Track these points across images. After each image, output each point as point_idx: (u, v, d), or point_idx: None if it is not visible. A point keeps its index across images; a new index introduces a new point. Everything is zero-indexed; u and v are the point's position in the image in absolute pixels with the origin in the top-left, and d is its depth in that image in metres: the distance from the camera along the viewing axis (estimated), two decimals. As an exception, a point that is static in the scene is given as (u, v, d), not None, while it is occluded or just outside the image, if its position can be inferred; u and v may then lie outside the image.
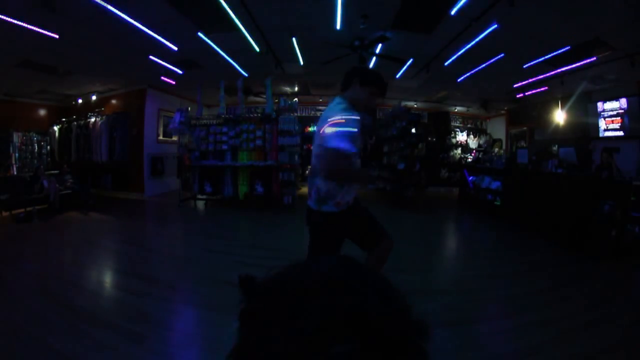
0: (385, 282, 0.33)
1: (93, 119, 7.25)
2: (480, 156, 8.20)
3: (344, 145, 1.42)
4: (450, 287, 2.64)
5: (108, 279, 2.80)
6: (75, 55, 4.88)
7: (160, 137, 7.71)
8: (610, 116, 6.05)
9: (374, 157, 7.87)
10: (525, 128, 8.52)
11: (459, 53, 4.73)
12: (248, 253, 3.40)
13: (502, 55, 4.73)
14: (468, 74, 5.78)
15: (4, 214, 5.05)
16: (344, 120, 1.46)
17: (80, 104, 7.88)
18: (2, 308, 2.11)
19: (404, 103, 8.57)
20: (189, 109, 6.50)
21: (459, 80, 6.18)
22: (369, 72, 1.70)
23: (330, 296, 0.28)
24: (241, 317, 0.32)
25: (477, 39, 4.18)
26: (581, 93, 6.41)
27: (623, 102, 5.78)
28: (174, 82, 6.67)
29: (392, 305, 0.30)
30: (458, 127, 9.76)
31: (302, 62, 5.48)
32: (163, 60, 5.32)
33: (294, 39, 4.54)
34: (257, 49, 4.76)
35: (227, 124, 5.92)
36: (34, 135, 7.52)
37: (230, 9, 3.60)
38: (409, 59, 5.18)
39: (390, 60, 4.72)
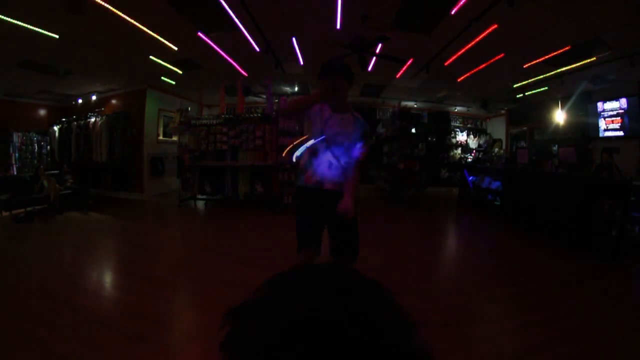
0: (384, 299, 0.30)
1: (93, 119, 7.25)
2: (480, 156, 8.21)
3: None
4: (450, 287, 2.64)
5: (108, 279, 2.80)
6: (75, 55, 4.88)
7: (160, 137, 7.71)
8: (610, 116, 6.04)
9: (374, 157, 7.87)
10: (525, 128, 8.52)
11: (459, 53, 4.73)
12: (248, 253, 3.40)
13: (502, 55, 4.73)
14: (468, 74, 5.78)
15: (4, 214, 5.05)
16: None
17: (80, 104, 7.88)
18: (2, 308, 2.11)
19: (404, 103, 8.58)
20: (189, 109, 6.51)
21: (459, 80, 6.18)
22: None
23: (317, 323, 0.26)
24: (222, 348, 0.29)
25: (477, 39, 4.18)
26: (581, 93, 6.42)
27: (623, 102, 5.78)
28: (174, 82, 6.68)
29: (387, 331, 0.27)
30: (458, 127, 9.76)
31: (302, 62, 5.48)
32: (163, 60, 5.32)
33: (294, 39, 4.54)
34: (257, 49, 4.76)
35: (227, 124, 5.92)
36: (34, 135, 7.53)
37: (230, 8, 3.60)
38: (409, 59, 5.18)
39: (390, 60, 4.72)
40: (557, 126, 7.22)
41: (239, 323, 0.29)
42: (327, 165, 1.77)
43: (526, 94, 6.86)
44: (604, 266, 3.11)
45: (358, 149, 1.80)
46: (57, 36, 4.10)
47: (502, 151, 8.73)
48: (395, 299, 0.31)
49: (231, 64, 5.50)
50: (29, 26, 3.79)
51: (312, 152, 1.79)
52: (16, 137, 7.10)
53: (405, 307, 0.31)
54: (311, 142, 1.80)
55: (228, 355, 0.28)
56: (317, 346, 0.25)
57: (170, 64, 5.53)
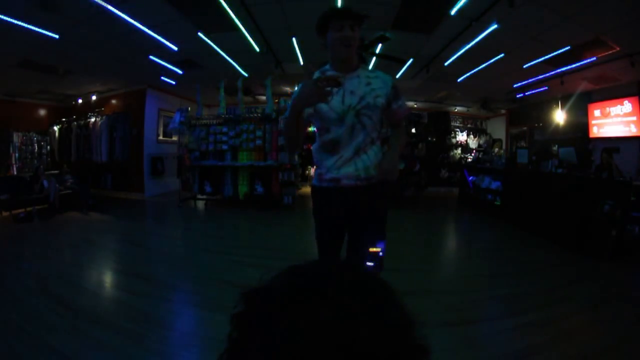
0: (385, 298, 0.31)
1: (93, 119, 7.25)
2: (480, 156, 8.21)
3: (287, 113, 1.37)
4: (450, 287, 2.64)
5: (108, 279, 2.80)
6: (75, 55, 4.88)
7: (160, 137, 7.71)
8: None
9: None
10: (525, 128, 8.52)
11: (459, 53, 4.73)
12: (248, 253, 3.40)
13: (502, 55, 4.73)
14: (468, 74, 5.78)
15: (4, 214, 5.05)
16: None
17: (80, 104, 7.88)
18: (2, 308, 2.11)
19: (404, 103, 8.57)
20: (189, 109, 6.51)
21: (459, 80, 6.18)
22: (318, 19, 1.37)
23: (317, 314, 0.27)
24: (232, 322, 0.31)
25: (477, 39, 4.18)
26: (581, 93, 6.42)
27: (623, 102, 5.79)
28: (174, 82, 6.67)
29: (387, 325, 0.28)
30: (458, 127, 9.75)
31: (302, 62, 5.48)
32: (163, 60, 5.31)
33: (294, 39, 4.54)
34: (257, 49, 4.76)
35: (227, 124, 5.92)
36: (34, 135, 7.52)
37: (230, 9, 3.60)
38: (409, 59, 5.18)
39: (390, 60, 4.72)
40: (557, 126, 7.22)
41: (252, 301, 0.31)
42: (353, 152, 1.35)
43: (526, 94, 6.85)
44: (604, 266, 3.11)
45: (399, 110, 1.42)
46: (57, 36, 4.10)
47: (502, 151, 8.72)
48: (399, 295, 0.32)
49: (231, 64, 5.50)
50: (28, 26, 3.79)
51: (330, 144, 1.37)
52: (16, 137, 7.09)
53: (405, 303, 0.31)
54: (326, 132, 1.37)
55: (237, 330, 0.31)
56: (322, 334, 0.26)
57: (170, 64, 5.53)
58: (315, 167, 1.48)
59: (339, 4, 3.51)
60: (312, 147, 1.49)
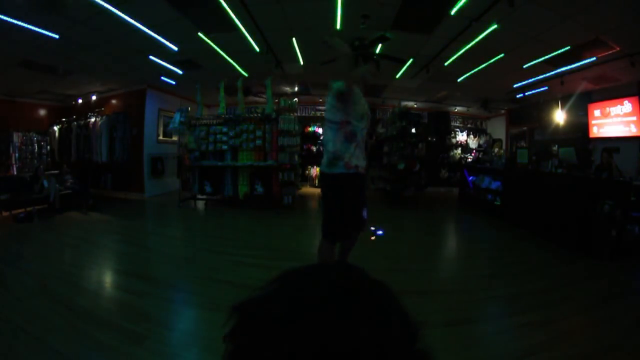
0: (387, 306, 0.30)
1: (93, 119, 7.25)
2: (480, 156, 8.21)
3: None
4: (450, 287, 2.64)
5: (108, 279, 2.80)
6: (75, 55, 4.88)
7: (160, 137, 7.71)
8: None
9: (374, 157, 7.87)
10: (525, 128, 8.52)
11: (459, 53, 4.73)
12: (248, 253, 3.40)
13: (502, 55, 4.73)
14: (468, 74, 5.78)
15: (4, 214, 5.04)
16: None
17: (80, 104, 7.88)
18: (2, 308, 2.11)
19: (404, 103, 8.58)
20: (189, 109, 6.51)
21: (459, 80, 6.18)
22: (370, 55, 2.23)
23: (319, 326, 0.26)
24: (225, 341, 0.30)
25: (477, 39, 4.18)
26: (581, 93, 6.42)
27: (623, 102, 5.79)
28: (174, 82, 6.67)
29: (391, 336, 0.28)
30: (458, 127, 9.76)
31: (302, 62, 5.48)
32: (163, 60, 5.32)
33: (294, 39, 4.54)
34: (257, 49, 4.76)
35: (227, 124, 5.92)
36: (34, 135, 7.52)
37: (230, 9, 3.60)
38: (409, 59, 5.18)
39: (390, 60, 4.71)
40: (557, 126, 7.22)
41: (244, 315, 0.30)
42: (362, 148, 2.01)
43: (526, 94, 6.86)
44: (604, 266, 3.11)
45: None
46: (57, 36, 4.10)
47: (502, 151, 8.72)
48: (401, 300, 0.31)
49: (231, 64, 5.50)
50: (28, 26, 3.79)
51: (351, 135, 1.95)
52: (16, 137, 7.09)
53: (407, 308, 0.31)
54: (348, 125, 1.95)
55: (231, 346, 0.29)
56: (320, 341, 0.25)
57: (170, 64, 5.53)
58: (334, 158, 1.95)
59: (339, 4, 3.51)
60: (331, 142, 1.97)
